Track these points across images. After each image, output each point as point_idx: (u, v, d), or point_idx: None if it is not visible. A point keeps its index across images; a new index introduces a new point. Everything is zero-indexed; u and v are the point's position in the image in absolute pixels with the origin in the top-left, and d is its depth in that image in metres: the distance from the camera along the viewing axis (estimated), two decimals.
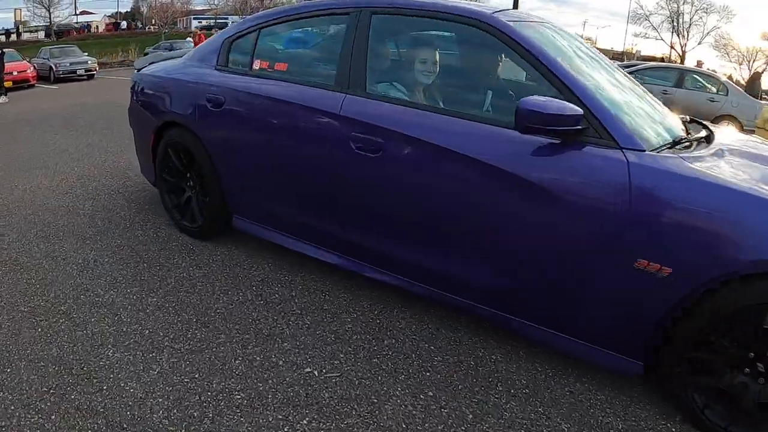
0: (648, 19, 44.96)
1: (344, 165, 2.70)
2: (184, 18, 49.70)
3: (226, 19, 52.14)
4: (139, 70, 4.02)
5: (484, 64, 2.85)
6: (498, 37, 2.43)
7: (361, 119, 2.63)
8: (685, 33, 44.25)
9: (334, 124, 2.72)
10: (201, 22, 47.88)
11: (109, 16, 55.40)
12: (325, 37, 3.27)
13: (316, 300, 2.96)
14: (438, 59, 2.81)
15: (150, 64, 4.07)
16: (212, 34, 24.54)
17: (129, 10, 55.96)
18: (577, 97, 2.17)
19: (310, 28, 3.36)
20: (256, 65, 3.27)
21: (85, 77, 19.33)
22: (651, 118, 2.46)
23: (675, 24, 44.51)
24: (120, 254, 3.44)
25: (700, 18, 43.70)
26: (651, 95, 2.86)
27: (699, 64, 17.42)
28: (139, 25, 52.15)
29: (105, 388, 2.23)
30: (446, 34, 2.94)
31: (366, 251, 2.82)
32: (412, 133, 2.47)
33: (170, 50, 24.16)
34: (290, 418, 2.10)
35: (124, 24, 53.02)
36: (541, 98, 2.09)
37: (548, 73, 2.27)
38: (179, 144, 3.56)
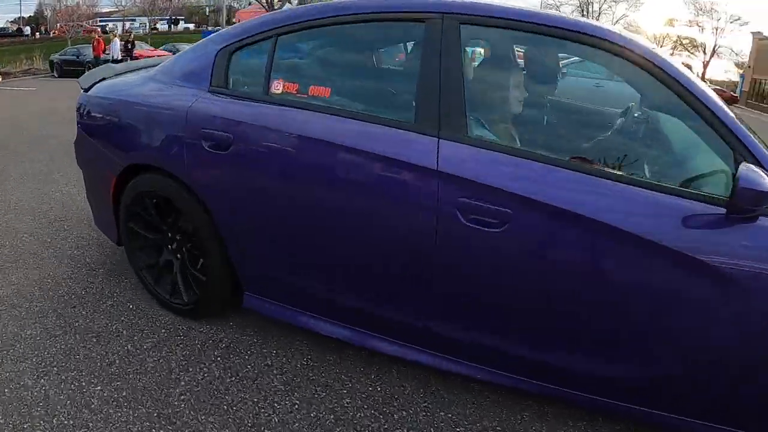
0: (559, 10, 46.16)
1: (445, 241, 2.01)
2: (90, 21, 46.92)
3: (134, 20, 49.83)
4: (86, 90, 3.00)
5: (624, 106, 2.34)
6: (654, 74, 1.93)
7: (478, 180, 1.93)
8: (595, 22, 45.92)
9: (427, 183, 2.00)
10: (108, 24, 45.48)
11: (11, 21, 51.84)
12: (387, 52, 2.55)
13: (298, 368, 2.46)
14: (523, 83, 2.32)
15: (100, 80, 3.03)
16: (110, 39, 22.31)
17: (32, 14, 52.56)
18: (756, 159, 1.78)
19: (359, 37, 2.52)
20: (277, 88, 2.37)
21: None
22: None
23: (585, 13, 46.04)
24: (45, 323, 2.75)
25: (610, 7, 45.54)
26: None
27: None
28: (43, 30, 49.08)
29: None
30: (568, 61, 2.47)
31: (464, 346, 2.18)
32: (559, 203, 1.85)
33: (78, 57, 22.67)
34: None
35: (28, 29, 49.71)
36: (756, 170, 1.67)
37: (721, 126, 1.83)
38: (157, 195, 2.67)
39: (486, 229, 1.93)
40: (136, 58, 20.79)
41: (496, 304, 2.06)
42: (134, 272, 3.01)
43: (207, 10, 58.91)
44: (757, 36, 30.46)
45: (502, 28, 2.12)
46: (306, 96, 2.33)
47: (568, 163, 1.95)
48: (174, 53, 28.47)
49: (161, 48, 26.36)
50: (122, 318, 2.82)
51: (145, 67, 3.16)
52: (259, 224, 2.40)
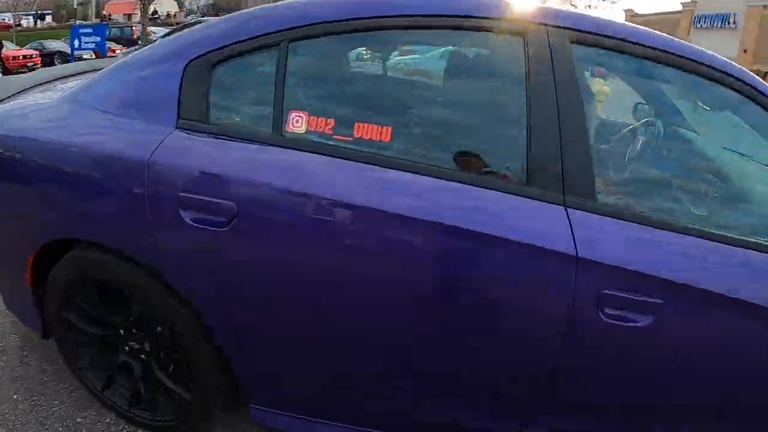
0: None
1: (577, 343, 1.52)
2: None
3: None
4: None
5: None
6: None
7: (627, 266, 1.45)
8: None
9: (559, 273, 1.47)
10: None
11: None
12: (471, 75, 1.85)
13: None
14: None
15: None
16: None
17: None
18: None
19: (427, 52, 1.91)
20: (296, 124, 1.59)
21: None
22: None
23: None
24: None
25: None
26: None
27: None
28: None
29: None
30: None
31: None
32: (717, 287, 1.47)
33: None
34: None
35: None
36: None
37: None
38: (105, 281, 1.84)
39: (629, 324, 1.47)
40: (2, 60, 18.61)
41: (637, 407, 1.63)
42: (95, 397, 2.08)
43: (75, 2, 54.73)
44: (629, 12, 32.43)
45: (630, 55, 1.62)
46: (351, 139, 1.58)
47: (719, 234, 1.53)
48: (42, 52, 25.26)
49: (27, 47, 23.56)
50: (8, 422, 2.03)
51: (57, 79, 2.30)
52: (283, 328, 1.68)
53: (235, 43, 1.65)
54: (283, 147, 1.58)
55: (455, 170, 1.56)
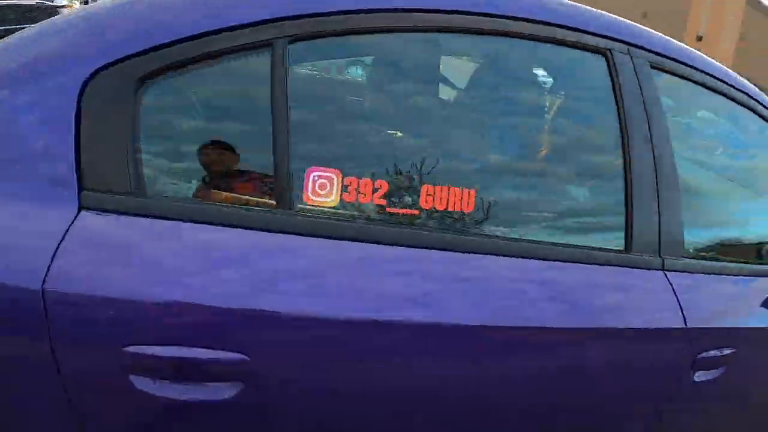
0: None
1: (668, 411, 1.27)
2: None
3: None
4: None
5: None
6: None
7: (717, 325, 1.32)
8: None
9: (665, 349, 1.22)
10: None
11: None
12: (548, 103, 1.38)
13: None
14: None
15: None
16: None
17: None
18: None
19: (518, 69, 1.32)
20: (321, 192, 0.92)
21: None
22: None
23: None
24: None
25: None
26: None
27: None
28: None
29: None
30: None
31: None
32: None
33: None
34: None
35: None
36: None
37: None
38: None
39: (708, 379, 1.29)
40: None
41: None
42: None
43: None
44: None
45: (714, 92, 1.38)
46: (417, 213, 1.01)
47: None
48: None
49: None
50: None
51: None
52: None
53: (184, 39, 0.87)
54: (304, 234, 0.89)
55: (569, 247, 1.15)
